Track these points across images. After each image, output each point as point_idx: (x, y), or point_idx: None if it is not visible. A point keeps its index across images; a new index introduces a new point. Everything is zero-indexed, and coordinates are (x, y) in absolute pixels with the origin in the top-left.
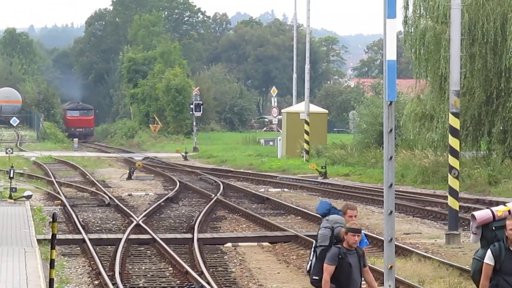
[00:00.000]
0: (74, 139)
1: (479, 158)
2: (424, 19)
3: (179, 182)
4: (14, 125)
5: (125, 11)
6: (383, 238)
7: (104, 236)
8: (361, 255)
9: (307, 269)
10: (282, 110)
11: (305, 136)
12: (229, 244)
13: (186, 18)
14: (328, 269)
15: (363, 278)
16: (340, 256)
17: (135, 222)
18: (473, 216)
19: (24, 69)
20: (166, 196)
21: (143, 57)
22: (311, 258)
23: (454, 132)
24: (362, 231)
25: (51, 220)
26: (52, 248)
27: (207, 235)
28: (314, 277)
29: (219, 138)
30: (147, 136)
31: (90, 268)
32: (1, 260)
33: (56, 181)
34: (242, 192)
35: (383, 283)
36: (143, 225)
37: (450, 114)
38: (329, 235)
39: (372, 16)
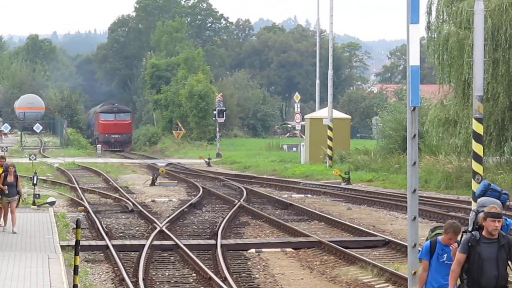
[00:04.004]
0: (98, 145)
1: (503, 163)
2: (447, 25)
3: (203, 188)
4: (38, 131)
5: (148, 17)
6: (406, 244)
7: (127, 242)
8: (505, 246)
9: None
10: (305, 116)
11: (328, 142)
12: (252, 250)
13: (209, 24)
14: (457, 257)
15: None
16: (470, 244)
17: (158, 228)
18: None
19: (47, 76)
20: (190, 202)
21: (166, 63)
22: None
23: (477, 137)
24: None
25: (74, 226)
26: (76, 254)
27: (231, 241)
28: None
29: (242, 144)
30: (170, 142)
31: (114, 274)
32: (25, 266)
33: (80, 188)
34: (266, 198)
35: None
36: (166, 231)
37: (473, 120)
38: (473, 219)
39: (395, 22)
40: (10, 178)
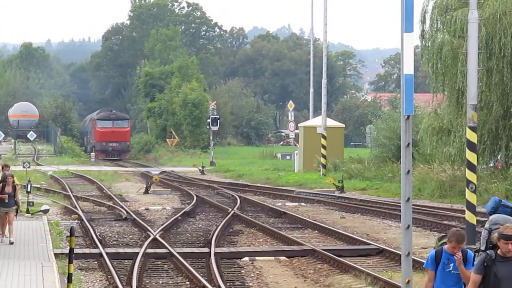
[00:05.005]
0: (91, 153)
1: (496, 172)
2: (441, 33)
3: (196, 196)
4: (31, 139)
5: (142, 25)
6: (400, 253)
7: (121, 250)
8: None
9: None
10: (299, 124)
11: (322, 150)
12: (246, 258)
13: (203, 33)
14: (472, 278)
15: None
16: (485, 264)
17: (152, 236)
18: None
19: (41, 84)
20: (183, 210)
21: (160, 72)
22: None
23: (471, 146)
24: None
25: (68, 234)
26: (70, 262)
27: (224, 249)
28: None
29: (236, 152)
30: (164, 151)
31: (108, 283)
32: (18, 274)
33: (73, 195)
34: (259, 206)
35: None
36: (160, 239)
37: (467, 128)
38: (486, 237)
39: (389, 30)
40: (8, 189)
